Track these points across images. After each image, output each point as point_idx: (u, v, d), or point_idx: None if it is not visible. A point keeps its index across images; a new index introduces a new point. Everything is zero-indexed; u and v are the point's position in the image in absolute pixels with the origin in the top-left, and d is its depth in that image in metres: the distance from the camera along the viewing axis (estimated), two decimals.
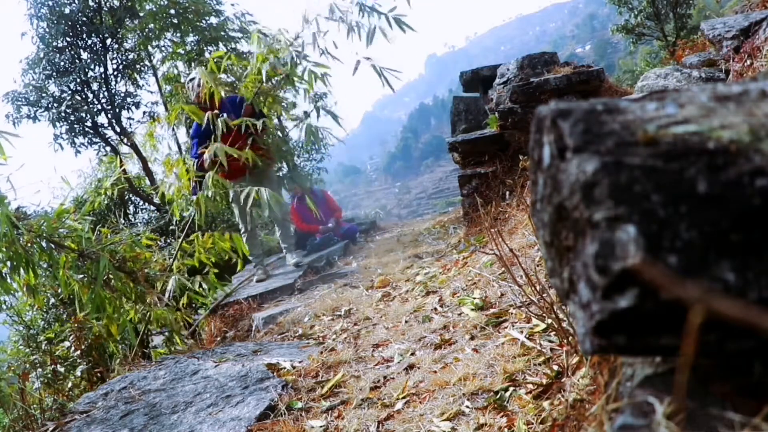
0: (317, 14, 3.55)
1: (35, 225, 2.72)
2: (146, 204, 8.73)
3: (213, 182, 3.45)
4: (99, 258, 2.78)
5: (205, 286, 3.49)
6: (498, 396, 1.51)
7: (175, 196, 3.81)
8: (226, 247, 3.57)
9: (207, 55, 8.61)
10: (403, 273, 3.89)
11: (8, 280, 2.68)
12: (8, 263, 2.63)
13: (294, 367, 2.22)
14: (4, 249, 2.60)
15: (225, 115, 3.79)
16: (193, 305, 4.08)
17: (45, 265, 2.84)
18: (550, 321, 1.65)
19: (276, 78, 3.72)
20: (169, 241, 5.76)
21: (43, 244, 2.74)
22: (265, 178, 4.52)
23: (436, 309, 2.61)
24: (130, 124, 9.11)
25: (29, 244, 2.67)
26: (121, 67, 8.84)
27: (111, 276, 2.94)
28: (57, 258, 2.79)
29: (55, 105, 8.25)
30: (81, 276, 2.86)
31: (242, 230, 4.60)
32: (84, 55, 8.59)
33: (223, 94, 3.79)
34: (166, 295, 3.19)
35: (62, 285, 2.88)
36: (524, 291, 2.00)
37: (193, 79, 3.72)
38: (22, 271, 2.68)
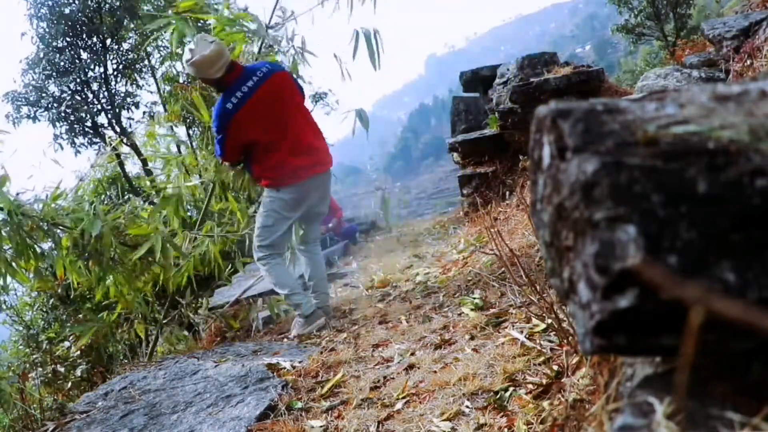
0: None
1: (30, 210, 2.74)
2: (146, 204, 8.73)
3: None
4: (102, 235, 2.77)
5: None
6: (498, 396, 1.51)
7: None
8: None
9: None
10: (403, 273, 3.89)
11: (14, 266, 2.70)
12: (13, 248, 2.65)
13: (294, 367, 2.22)
14: (3, 233, 2.61)
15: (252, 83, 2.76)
16: (192, 305, 4.08)
17: (48, 248, 2.86)
18: (550, 321, 1.65)
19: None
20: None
21: (44, 225, 2.75)
22: (330, 183, 3.16)
23: (436, 309, 2.61)
24: (130, 124, 9.11)
25: (31, 230, 2.68)
26: (121, 67, 8.84)
27: (117, 252, 2.93)
28: (59, 238, 2.80)
29: (55, 105, 8.26)
30: (85, 256, 2.86)
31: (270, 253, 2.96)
32: (84, 55, 8.59)
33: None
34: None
35: (68, 269, 2.88)
36: (524, 291, 2.00)
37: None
38: (25, 258, 2.69)
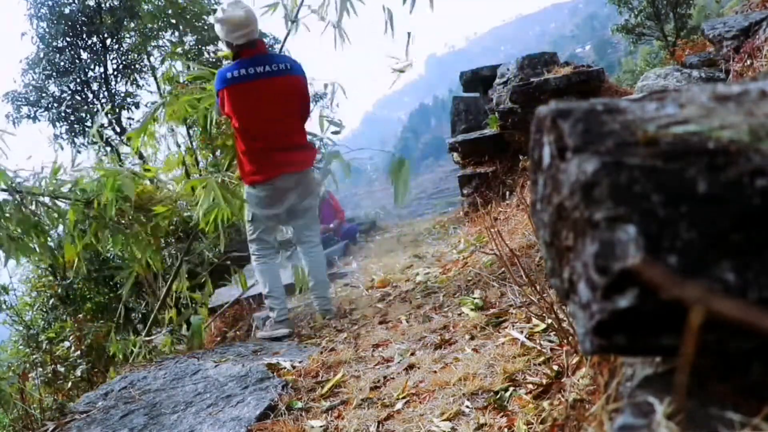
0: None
1: (34, 188, 2.76)
2: None
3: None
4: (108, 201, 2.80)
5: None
6: (498, 396, 1.51)
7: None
8: None
9: (206, 55, 8.61)
10: (403, 273, 3.89)
11: (20, 242, 2.71)
12: (18, 229, 2.66)
13: (294, 367, 2.22)
14: (9, 214, 2.62)
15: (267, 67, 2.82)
16: (192, 304, 4.08)
17: (54, 224, 2.88)
18: (550, 321, 1.65)
19: None
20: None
21: (47, 200, 2.76)
22: (311, 182, 3.10)
23: (436, 309, 2.61)
24: (130, 124, 9.11)
25: (33, 206, 2.70)
26: (121, 67, 8.85)
27: (122, 215, 2.95)
28: (64, 211, 2.81)
29: (55, 105, 8.26)
30: (91, 221, 2.88)
31: (260, 256, 3.05)
32: (84, 55, 8.60)
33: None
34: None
35: (77, 239, 2.90)
36: (524, 291, 2.00)
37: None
38: (33, 235, 2.70)
